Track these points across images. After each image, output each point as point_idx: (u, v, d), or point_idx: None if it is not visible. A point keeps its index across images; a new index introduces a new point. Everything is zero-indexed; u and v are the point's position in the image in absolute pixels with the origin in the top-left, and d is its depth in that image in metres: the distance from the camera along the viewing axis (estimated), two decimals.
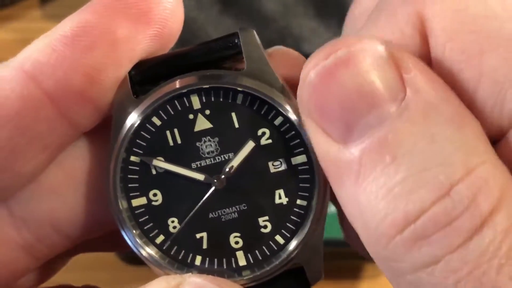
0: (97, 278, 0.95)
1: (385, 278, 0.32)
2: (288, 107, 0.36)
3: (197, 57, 0.37)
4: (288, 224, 0.37)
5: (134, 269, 0.91)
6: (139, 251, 0.37)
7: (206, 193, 0.37)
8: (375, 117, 0.29)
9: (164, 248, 0.37)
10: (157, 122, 0.37)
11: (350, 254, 0.94)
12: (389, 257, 0.29)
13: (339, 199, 0.32)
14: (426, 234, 0.28)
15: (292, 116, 0.36)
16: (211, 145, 0.37)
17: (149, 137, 0.37)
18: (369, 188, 0.29)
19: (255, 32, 0.37)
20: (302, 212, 0.37)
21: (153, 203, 0.37)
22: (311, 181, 0.37)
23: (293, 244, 0.37)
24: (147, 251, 0.37)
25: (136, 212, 0.37)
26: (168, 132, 0.37)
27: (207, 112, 0.37)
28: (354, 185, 0.30)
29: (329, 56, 0.30)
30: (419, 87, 0.29)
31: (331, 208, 0.36)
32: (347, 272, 0.93)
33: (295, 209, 0.37)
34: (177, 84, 0.36)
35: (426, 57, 0.32)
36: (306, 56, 0.38)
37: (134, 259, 0.91)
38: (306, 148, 0.36)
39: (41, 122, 0.34)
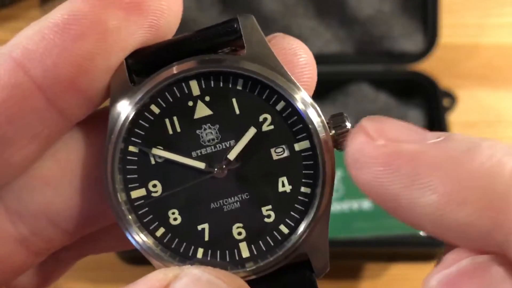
0: (97, 278, 0.95)
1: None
2: (290, 91, 0.35)
3: (196, 43, 0.35)
4: (292, 212, 0.36)
5: (134, 268, 0.91)
6: (139, 245, 0.35)
7: (207, 183, 0.35)
8: None
9: (165, 241, 0.36)
10: (156, 110, 0.35)
11: (350, 254, 0.95)
12: None
13: None
14: None
15: (294, 101, 0.35)
16: (211, 132, 0.35)
17: (147, 125, 0.35)
18: None
19: (254, 17, 0.35)
20: (307, 200, 0.36)
21: (153, 194, 0.36)
22: (315, 167, 0.35)
23: (297, 234, 0.35)
24: (148, 245, 0.35)
25: (135, 204, 0.36)
26: (167, 120, 0.35)
27: (207, 98, 0.35)
28: None
29: (452, 265, 0.30)
30: None
31: (331, 208, 0.36)
32: (347, 272, 0.93)
33: (299, 197, 0.36)
34: (175, 69, 0.35)
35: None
36: None
37: (134, 259, 0.92)
38: (309, 133, 0.35)
39: (30, 111, 0.34)
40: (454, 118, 1.03)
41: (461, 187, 0.29)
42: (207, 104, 0.36)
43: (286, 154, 0.36)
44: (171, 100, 0.36)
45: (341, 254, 0.91)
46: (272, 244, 0.36)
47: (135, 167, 0.36)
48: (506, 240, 0.29)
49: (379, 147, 0.31)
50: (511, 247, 0.29)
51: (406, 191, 0.30)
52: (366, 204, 0.91)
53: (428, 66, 1.05)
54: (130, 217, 0.35)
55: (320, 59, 1.09)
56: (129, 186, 0.36)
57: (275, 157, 0.36)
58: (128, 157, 0.36)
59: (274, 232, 0.36)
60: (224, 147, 0.36)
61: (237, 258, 0.36)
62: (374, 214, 0.90)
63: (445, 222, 0.30)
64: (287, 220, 0.36)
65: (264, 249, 0.36)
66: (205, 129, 0.36)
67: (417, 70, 1.05)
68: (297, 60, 0.36)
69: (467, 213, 0.29)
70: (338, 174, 0.92)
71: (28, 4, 1.13)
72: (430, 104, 1.03)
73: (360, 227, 0.90)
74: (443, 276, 0.30)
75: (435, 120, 1.00)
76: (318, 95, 1.29)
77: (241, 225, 0.36)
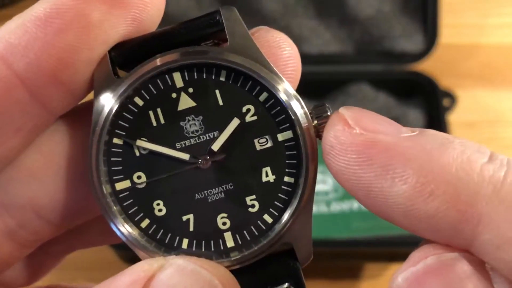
0: (96, 277, 0.95)
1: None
2: (273, 82, 0.35)
3: (179, 35, 0.36)
4: (276, 202, 0.36)
5: None
6: (124, 237, 0.36)
7: (191, 174, 0.36)
8: None
9: (150, 232, 0.36)
10: (139, 102, 0.36)
11: (350, 254, 0.95)
12: None
13: None
14: None
15: (277, 91, 0.35)
16: (195, 124, 0.36)
17: (131, 118, 0.36)
18: None
19: (236, 10, 0.36)
20: (290, 189, 0.36)
21: (137, 185, 0.36)
22: (298, 157, 0.36)
23: (281, 223, 0.36)
24: (133, 236, 0.36)
25: (120, 196, 0.36)
26: (151, 112, 0.36)
27: (190, 90, 0.36)
28: None
29: (418, 262, 0.30)
30: None
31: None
32: (347, 272, 0.93)
33: (282, 186, 0.36)
34: (158, 61, 0.35)
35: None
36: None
37: (134, 258, 0.91)
38: (292, 123, 0.36)
39: (13, 104, 0.34)
40: (454, 118, 1.03)
41: (432, 179, 0.30)
42: (191, 95, 0.36)
43: (269, 144, 0.36)
44: (155, 92, 0.36)
45: (341, 254, 0.91)
46: (257, 233, 0.36)
47: (120, 159, 0.36)
48: (473, 232, 0.29)
49: (356, 135, 0.31)
50: (478, 239, 0.29)
51: (378, 180, 0.31)
52: None
53: (428, 66, 1.05)
54: (115, 208, 0.36)
55: (320, 59, 1.10)
56: (114, 178, 0.36)
57: (258, 147, 0.36)
58: (113, 149, 0.36)
59: (258, 221, 0.36)
60: (208, 138, 0.36)
61: (221, 248, 0.36)
62: (374, 214, 0.90)
63: (415, 213, 0.30)
64: (271, 209, 0.36)
65: (249, 238, 0.36)
66: (188, 121, 0.36)
67: (417, 70, 1.05)
68: (281, 53, 0.37)
69: (436, 205, 0.30)
70: None
71: (28, 4, 1.12)
72: (430, 104, 1.03)
73: (360, 227, 0.90)
74: (409, 273, 0.30)
75: (435, 120, 1.00)
76: (318, 95, 1.28)
77: (225, 215, 0.36)
